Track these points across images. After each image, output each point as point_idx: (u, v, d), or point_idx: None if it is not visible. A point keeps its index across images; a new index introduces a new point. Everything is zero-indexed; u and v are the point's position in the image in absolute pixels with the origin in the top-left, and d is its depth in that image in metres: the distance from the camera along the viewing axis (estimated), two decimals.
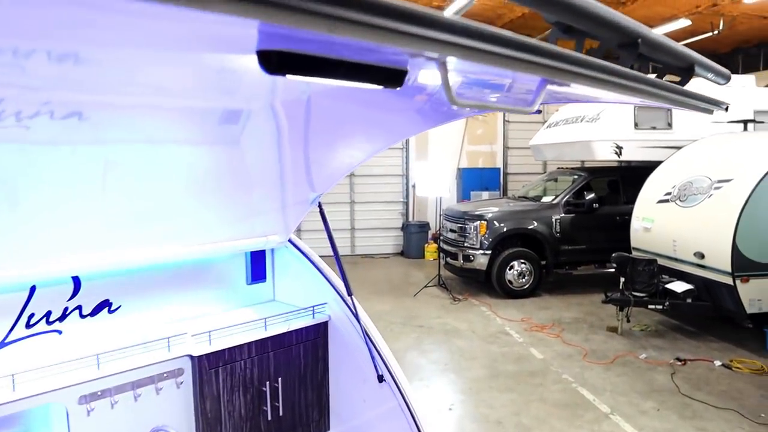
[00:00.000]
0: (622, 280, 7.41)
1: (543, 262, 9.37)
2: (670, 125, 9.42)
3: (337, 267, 2.92)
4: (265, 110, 2.48)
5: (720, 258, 6.68)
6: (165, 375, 2.52)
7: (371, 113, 2.21)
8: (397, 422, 2.76)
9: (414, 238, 13.17)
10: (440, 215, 10.38)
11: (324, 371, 3.14)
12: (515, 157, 14.29)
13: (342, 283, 2.95)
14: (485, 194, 13.13)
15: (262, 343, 2.83)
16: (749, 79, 10.28)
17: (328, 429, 3.23)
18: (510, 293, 9.20)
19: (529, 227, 9.36)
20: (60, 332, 2.57)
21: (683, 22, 11.43)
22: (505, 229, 9.28)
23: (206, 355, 2.61)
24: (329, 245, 2.92)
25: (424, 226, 13.29)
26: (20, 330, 2.46)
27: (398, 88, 1.08)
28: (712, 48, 13.94)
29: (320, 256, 3.21)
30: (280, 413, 2.96)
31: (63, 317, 2.57)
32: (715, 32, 11.68)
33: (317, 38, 0.75)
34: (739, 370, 6.16)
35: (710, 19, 11.54)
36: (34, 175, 2.13)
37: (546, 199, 9.89)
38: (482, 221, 9.26)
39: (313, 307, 3.04)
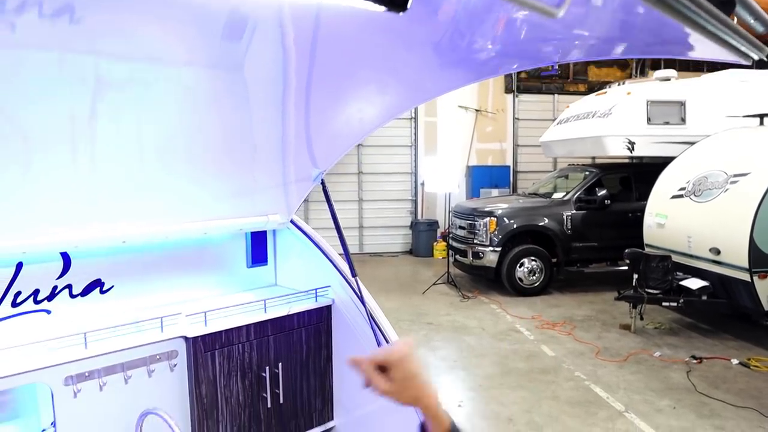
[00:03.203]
0: (636, 276, 7.23)
1: (554, 260, 9.18)
2: (683, 120, 9.21)
3: (341, 246, 2.76)
4: (272, 26, 2.18)
5: (737, 254, 6.48)
6: (158, 357, 2.37)
7: (386, 60, 1.99)
8: (405, 415, 2.59)
9: (423, 236, 13.02)
10: (449, 213, 10.21)
11: (327, 358, 2.99)
12: (525, 154, 14.09)
13: (347, 266, 2.80)
14: (495, 192, 12.94)
15: (261, 326, 2.68)
16: (766, 73, 10.05)
17: (332, 419, 3.07)
18: (520, 291, 9.03)
19: (540, 224, 9.18)
20: (48, 312, 2.44)
21: None
22: (515, 226, 9.10)
23: (201, 336, 2.47)
24: (333, 226, 2.77)
25: (432, 224, 13.14)
26: (5, 308, 2.33)
27: (401, 13, 0.93)
28: None
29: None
30: (281, 401, 2.80)
31: (52, 296, 2.44)
32: None
33: None
34: (758, 369, 5.97)
35: None
36: (16, 120, 1.97)
37: (557, 196, 9.69)
38: (492, 218, 9.09)
39: (316, 289, 2.89)
